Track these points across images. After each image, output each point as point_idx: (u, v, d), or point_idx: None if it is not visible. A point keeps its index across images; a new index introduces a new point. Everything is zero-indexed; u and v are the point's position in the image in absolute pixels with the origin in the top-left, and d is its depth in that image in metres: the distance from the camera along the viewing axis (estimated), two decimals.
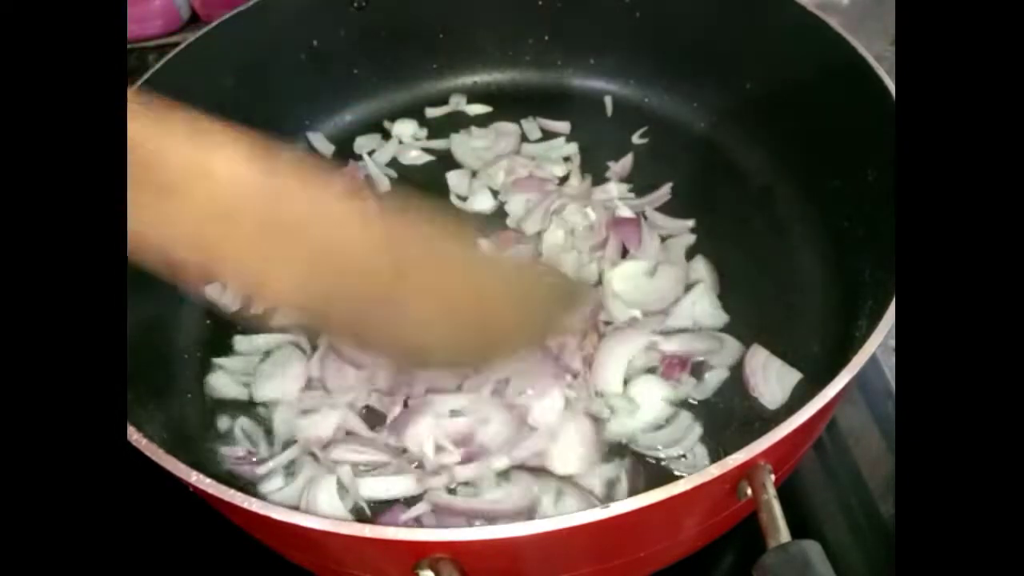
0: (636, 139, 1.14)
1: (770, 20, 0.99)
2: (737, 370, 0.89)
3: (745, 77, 1.07)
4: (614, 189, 1.08)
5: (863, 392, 0.95)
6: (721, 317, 0.94)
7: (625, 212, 1.04)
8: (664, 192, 1.07)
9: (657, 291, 0.96)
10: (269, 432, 0.88)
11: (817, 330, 0.91)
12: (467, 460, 0.83)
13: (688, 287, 0.96)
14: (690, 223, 1.03)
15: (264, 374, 0.92)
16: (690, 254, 1.00)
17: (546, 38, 1.19)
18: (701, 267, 0.98)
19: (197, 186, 0.59)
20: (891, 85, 0.84)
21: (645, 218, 1.04)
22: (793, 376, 0.87)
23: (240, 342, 0.96)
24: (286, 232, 0.63)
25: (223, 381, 0.93)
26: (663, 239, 1.02)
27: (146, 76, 0.93)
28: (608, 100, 1.19)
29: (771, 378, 0.87)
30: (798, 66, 0.97)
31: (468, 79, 1.21)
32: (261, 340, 0.95)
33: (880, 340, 0.66)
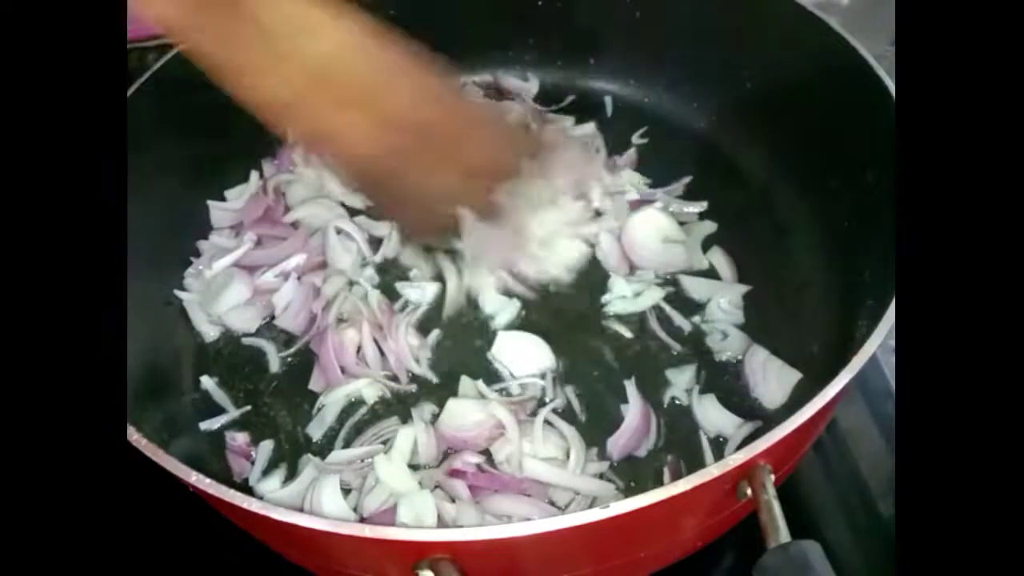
0: (636, 139, 1.14)
1: (770, 20, 0.99)
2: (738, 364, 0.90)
3: (745, 77, 1.07)
4: (625, 175, 1.08)
5: (863, 392, 0.95)
6: (736, 315, 0.94)
7: (635, 196, 1.05)
8: (678, 186, 1.07)
9: (666, 254, 0.99)
10: (268, 426, 0.89)
11: (817, 330, 0.91)
12: None
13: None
14: (703, 205, 1.04)
15: None
16: (706, 245, 1.01)
17: (546, 38, 1.19)
18: (720, 259, 0.99)
19: (302, 39, 0.72)
20: (891, 85, 0.84)
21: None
22: (793, 376, 0.87)
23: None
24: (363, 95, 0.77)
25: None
26: (681, 223, 1.02)
27: (146, 76, 0.93)
28: (608, 100, 1.19)
29: (771, 378, 0.87)
30: (798, 66, 0.97)
31: (468, 78, 1.21)
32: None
33: (880, 340, 0.66)
